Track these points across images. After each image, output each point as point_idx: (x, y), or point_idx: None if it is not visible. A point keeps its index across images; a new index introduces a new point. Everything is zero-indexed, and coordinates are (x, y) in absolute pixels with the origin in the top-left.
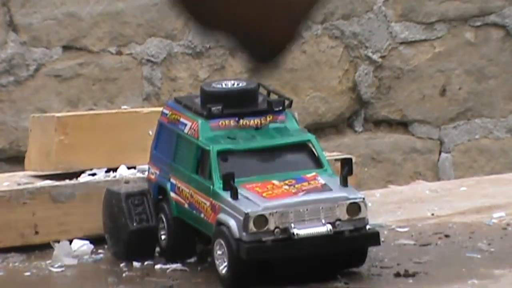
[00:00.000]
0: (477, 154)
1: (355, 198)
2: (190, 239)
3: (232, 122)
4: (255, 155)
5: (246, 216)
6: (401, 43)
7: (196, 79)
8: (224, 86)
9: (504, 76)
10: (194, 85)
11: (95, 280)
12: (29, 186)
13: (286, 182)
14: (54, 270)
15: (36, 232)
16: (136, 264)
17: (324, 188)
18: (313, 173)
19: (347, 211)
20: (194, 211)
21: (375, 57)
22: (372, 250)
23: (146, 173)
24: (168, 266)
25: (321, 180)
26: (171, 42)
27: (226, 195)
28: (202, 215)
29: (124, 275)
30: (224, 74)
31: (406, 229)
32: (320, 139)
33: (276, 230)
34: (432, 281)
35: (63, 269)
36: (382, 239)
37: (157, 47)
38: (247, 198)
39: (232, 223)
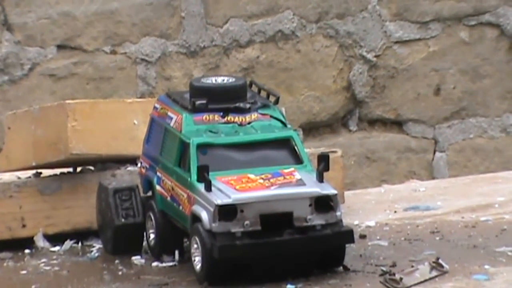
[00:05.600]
0: (471, 153)
1: (328, 194)
2: (178, 236)
3: (216, 117)
4: (235, 150)
5: (216, 206)
6: (396, 42)
7: (191, 78)
8: (213, 81)
9: (499, 75)
10: (188, 84)
11: (91, 278)
12: (16, 179)
13: (262, 176)
14: (49, 268)
15: (23, 225)
16: (131, 261)
17: (298, 183)
18: (291, 169)
19: (318, 206)
20: (175, 204)
21: (369, 56)
22: (368, 249)
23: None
24: (163, 264)
25: (297, 176)
26: (166, 41)
27: (201, 187)
28: (180, 208)
29: (120, 273)
30: (219, 73)
31: (401, 228)
32: (315, 138)
33: (246, 222)
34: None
35: (58, 268)
36: (377, 237)
37: (151, 46)
38: (220, 190)
39: (204, 215)
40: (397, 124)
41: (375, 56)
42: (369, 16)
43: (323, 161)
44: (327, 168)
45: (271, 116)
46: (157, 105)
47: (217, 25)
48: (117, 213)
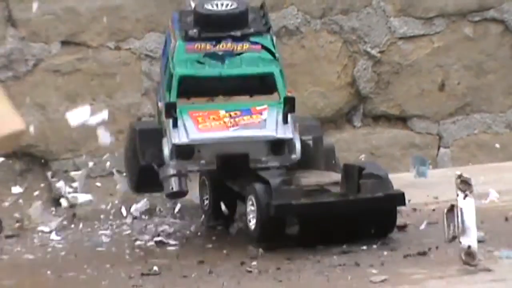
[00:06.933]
0: (476, 149)
1: (283, 138)
2: (232, 199)
3: (208, 46)
4: (216, 82)
5: (173, 146)
6: (400, 38)
7: None
8: (215, 7)
9: (503, 71)
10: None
11: (99, 262)
12: None
13: (231, 113)
14: (57, 253)
15: None
16: (137, 244)
17: (260, 125)
18: (264, 106)
19: (274, 149)
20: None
21: (374, 52)
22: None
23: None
24: (169, 248)
25: (264, 116)
26: None
27: (169, 122)
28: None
29: (127, 256)
30: None
31: (409, 213)
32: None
33: (202, 161)
34: (432, 263)
35: (64, 253)
36: None
37: (156, 42)
38: (184, 127)
39: (166, 150)
40: (402, 120)
41: (380, 52)
42: (374, 12)
43: (288, 103)
44: (292, 110)
45: (262, 46)
46: (170, 22)
47: None
48: (142, 154)
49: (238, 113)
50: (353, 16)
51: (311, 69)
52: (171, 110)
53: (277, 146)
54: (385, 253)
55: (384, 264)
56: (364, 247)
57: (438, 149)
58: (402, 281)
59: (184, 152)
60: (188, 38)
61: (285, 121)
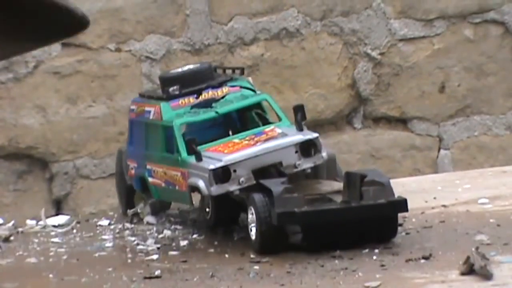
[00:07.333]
0: (476, 151)
1: (310, 138)
2: (233, 208)
3: (191, 99)
4: (216, 122)
5: (210, 171)
6: (400, 40)
7: None
8: (179, 70)
9: (503, 73)
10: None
11: (101, 266)
12: None
13: (246, 138)
14: (59, 257)
15: None
16: (139, 249)
17: (281, 135)
18: (272, 127)
19: (304, 151)
20: (170, 187)
21: (374, 54)
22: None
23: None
24: (171, 252)
25: (278, 130)
26: (170, 39)
27: (192, 160)
28: (176, 188)
29: (129, 260)
30: None
31: (411, 218)
32: (319, 136)
33: (241, 179)
34: (434, 267)
35: (65, 256)
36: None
37: (156, 44)
38: (210, 157)
39: (201, 183)
40: (402, 122)
41: (380, 54)
42: (374, 14)
43: (299, 111)
44: (304, 117)
45: (241, 87)
46: (133, 107)
47: (222, 23)
48: (126, 171)
49: (253, 136)
50: (353, 18)
51: (312, 71)
52: (192, 145)
53: (306, 148)
54: (387, 257)
55: (386, 268)
56: (366, 252)
57: (439, 151)
58: (404, 285)
59: (221, 175)
60: (170, 97)
61: (300, 128)
